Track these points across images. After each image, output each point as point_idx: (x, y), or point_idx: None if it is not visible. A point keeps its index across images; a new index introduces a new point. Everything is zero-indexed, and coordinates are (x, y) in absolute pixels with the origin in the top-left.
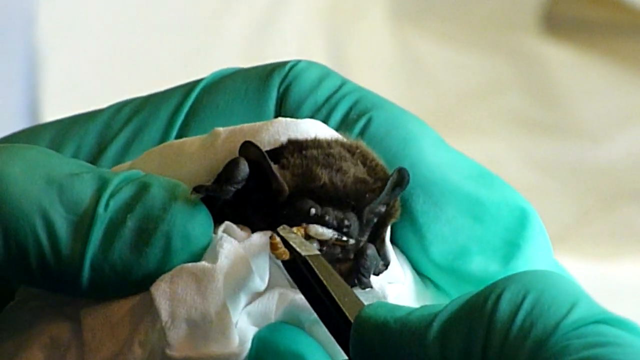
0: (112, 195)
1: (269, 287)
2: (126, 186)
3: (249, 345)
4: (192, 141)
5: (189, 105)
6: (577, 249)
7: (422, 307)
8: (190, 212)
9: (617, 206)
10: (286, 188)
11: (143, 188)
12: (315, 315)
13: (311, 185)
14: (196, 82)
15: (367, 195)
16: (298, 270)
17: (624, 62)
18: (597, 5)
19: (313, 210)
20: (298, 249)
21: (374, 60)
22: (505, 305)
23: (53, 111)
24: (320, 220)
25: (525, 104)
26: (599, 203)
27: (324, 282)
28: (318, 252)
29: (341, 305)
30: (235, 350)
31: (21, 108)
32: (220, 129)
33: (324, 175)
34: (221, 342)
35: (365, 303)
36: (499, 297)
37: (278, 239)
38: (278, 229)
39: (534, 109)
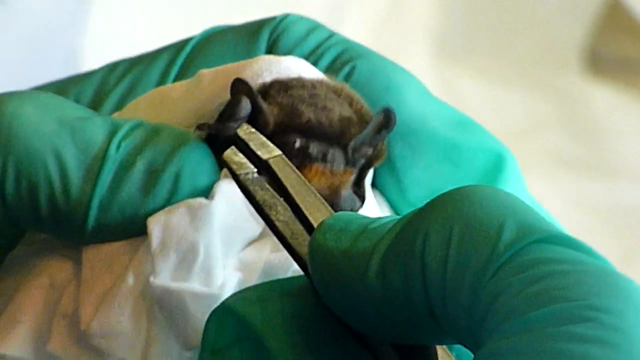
0: (123, 138)
1: (263, 236)
2: (137, 130)
3: (229, 290)
4: (177, 86)
5: (181, 61)
6: None
7: (368, 230)
8: (198, 155)
9: None
10: (271, 120)
11: (154, 133)
12: (293, 268)
13: (296, 121)
14: (188, 40)
15: (351, 130)
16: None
17: None
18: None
19: (297, 142)
20: (258, 152)
21: None
22: (434, 246)
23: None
24: (304, 151)
25: (567, 142)
26: None
27: (289, 189)
28: (281, 153)
29: (309, 217)
30: (214, 291)
31: (63, 55)
32: (205, 70)
33: (309, 113)
34: (204, 279)
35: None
36: (425, 237)
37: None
38: (238, 129)
39: (576, 148)
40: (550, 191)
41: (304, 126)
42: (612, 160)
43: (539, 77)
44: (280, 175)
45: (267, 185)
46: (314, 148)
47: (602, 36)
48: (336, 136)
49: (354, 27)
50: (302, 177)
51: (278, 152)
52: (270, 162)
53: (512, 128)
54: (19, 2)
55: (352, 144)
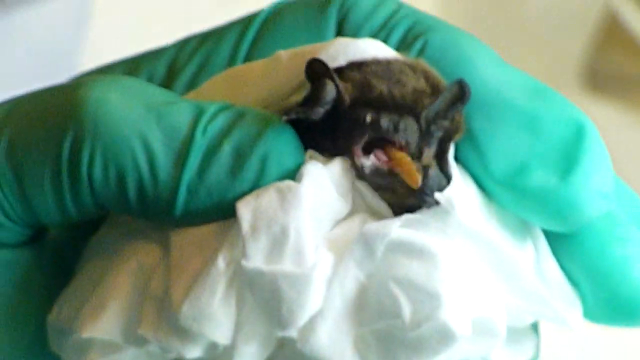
0: (209, 122)
1: (350, 214)
2: (222, 114)
3: (322, 270)
4: (255, 66)
5: (251, 36)
6: None
7: None
8: (285, 137)
9: None
10: (347, 98)
11: (239, 116)
12: (389, 237)
13: (368, 95)
14: (256, 14)
15: (424, 101)
16: None
17: None
18: (639, 60)
19: (368, 118)
20: None
21: None
22: None
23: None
24: (375, 125)
25: None
26: None
27: None
28: None
29: None
30: (306, 271)
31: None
32: (282, 51)
33: (381, 86)
34: (295, 260)
35: (431, 220)
36: None
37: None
38: None
39: None
40: None
41: (376, 99)
42: None
43: None
44: None
45: None
46: (385, 120)
47: (601, 53)
48: (408, 107)
49: None
50: None
51: None
52: None
53: None
54: (20, 16)
55: (424, 113)
